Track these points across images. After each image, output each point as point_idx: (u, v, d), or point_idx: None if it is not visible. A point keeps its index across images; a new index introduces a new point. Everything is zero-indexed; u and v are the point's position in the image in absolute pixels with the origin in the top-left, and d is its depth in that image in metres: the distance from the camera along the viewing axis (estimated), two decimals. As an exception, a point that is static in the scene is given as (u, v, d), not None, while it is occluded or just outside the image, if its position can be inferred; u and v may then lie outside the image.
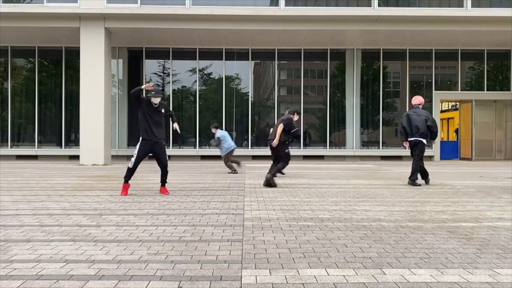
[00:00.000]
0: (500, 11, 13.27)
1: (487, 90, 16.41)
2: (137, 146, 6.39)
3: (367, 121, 16.52)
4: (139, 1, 13.21)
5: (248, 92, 16.50)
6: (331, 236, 3.90)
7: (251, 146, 16.26)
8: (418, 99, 8.49)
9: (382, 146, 16.29)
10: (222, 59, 16.19)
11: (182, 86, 16.55)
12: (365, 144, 16.55)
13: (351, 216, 4.83)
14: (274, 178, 7.82)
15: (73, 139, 16.07)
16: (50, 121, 16.21)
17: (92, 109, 13.37)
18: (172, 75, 16.29)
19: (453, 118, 20.93)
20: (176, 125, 6.77)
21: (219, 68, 16.33)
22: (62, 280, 2.68)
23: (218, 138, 10.57)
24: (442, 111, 20.14)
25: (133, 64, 16.40)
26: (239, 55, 16.21)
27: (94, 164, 13.18)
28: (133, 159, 6.35)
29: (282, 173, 9.72)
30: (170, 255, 3.25)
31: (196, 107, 16.25)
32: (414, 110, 8.34)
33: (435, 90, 16.34)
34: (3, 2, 13.26)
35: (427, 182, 8.10)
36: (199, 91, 16.35)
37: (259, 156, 16.05)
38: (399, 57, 16.41)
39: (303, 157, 16.17)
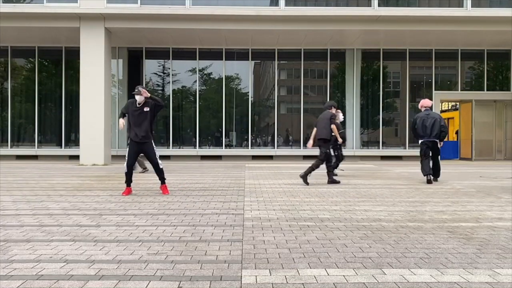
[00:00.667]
0: (500, 11, 13.27)
1: (487, 90, 16.40)
2: (127, 149, 6.53)
3: (367, 121, 16.52)
4: (139, 1, 13.21)
5: (248, 92, 16.51)
6: (331, 236, 3.90)
7: (251, 146, 16.26)
8: (429, 102, 8.87)
9: (382, 146, 16.29)
10: (222, 59, 16.20)
11: (182, 86, 16.55)
12: (365, 144, 16.55)
13: (351, 216, 4.83)
14: (334, 176, 8.18)
15: (73, 139, 16.07)
16: (50, 121, 16.21)
17: (92, 109, 13.37)
18: (172, 75, 16.29)
19: (453, 118, 20.93)
20: (146, 108, 6.37)
21: (219, 68, 16.33)
22: (62, 280, 2.68)
23: None
24: (442, 111, 20.14)
25: (133, 64, 16.41)
26: (239, 55, 16.21)
27: (94, 164, 13.18)
28: (125, 164, 6.46)
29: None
30: (170, 255, 3.25)
31: (196, 107, 16.25)
32: (426, 112, 8.62)
33: (435, 90, 16.34)
34: (3, 2, 13.26)
35: (435, 180, 8.50)
36: (199, 91, 16.35)
37: (259, 156, 16.05)
38: (399, 57, 16.41)
39: (303, 157, 16.16)
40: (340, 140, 8.38)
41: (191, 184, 8.00)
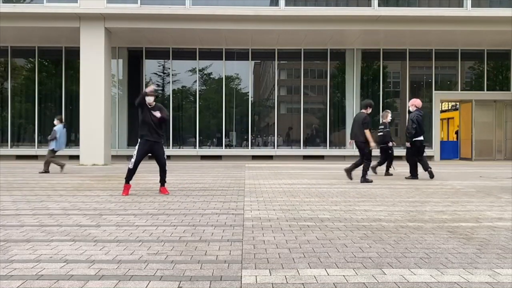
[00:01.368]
0: (500, 11, 13.27)
1: (487, 90, 16.41)
2: (136, 147, 6.45)
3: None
4: (139, 1, 13.21)
5: (248, 92, 16.51)
6: (331, 236, 3.90)
7: (251, 146, 16.26)
8: (420, 102, 9.25)
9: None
10: (222, 59, 16.20)
11: (182, 86, 16.56)
12: (365, 144, 16.53)
13: (351, 216, 4.83)
14: (366, 175, 8.32)
15: (73, 139, 16.07)
16: (50, 121, 16.18)
17: (92, 109, 13.37)
18: (172, 75, 16.29)
19: (453, 118, 20.93)
20: (158, 113, 6.42)
21: (219, 68, 16.34)
22: (62, 280, 2.68)
23: (54, 131, 10.31)
24: (442, 111, 20.14)
25: (133, 64, 16.41)
26: (239, 55, 16.21)
27: (94, 164, 13.18)
28: (132, 160, 6.41)
29: (375, 173, 9.97)
30: (170, 255, 3.25)
31: (196, 107, 16.25)
32: (419, 112, 8.99)
33: (435, 90, 16.34)
34: (3, 2, 13.26)
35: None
36: (199, 91, 16.35)
37: (259, 156, 16.06)
38: (399, 57, 16.41)
39: (303, 157, 16.17)
40: (372, 144, 8.46)
41: (191, 184, 8.00)
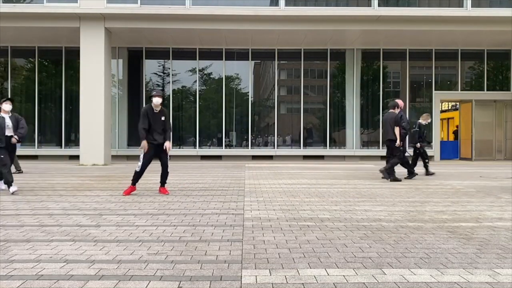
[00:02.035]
0: (500, 11, 13.27)
1: (487, 90, 16.41)
2: (142, 150, 6.46)
3: (367, 121, 16.52)
4: (139, 1, 13.21)
5: (248, 92, 16.51)
6: (331, 236, 3.90)
7: (251, 146, 16.26)
8: (403, 102, 9.44)
9: (382, 146, 16.27)
10: (222, 59, 16.20)
11: (182, 86, 16.55)
12: (365, 144, 16.55)
13: (351, 216, 4.83)
14: (394, 173, 8.61)
15: (73, 139, 16.07)
16: (50, 121, 16.20)
17: (92, 109, 13.37)
18: (172, 75, 16.29)
19: (453, 118, 20.93)
20: (167, 144, 6.52)
21: (219, 68, 16.33)
22: (62, 280, 2.68)
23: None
24: (442, 111, 20.14)
25: (133, 64, 16.40)
26: (239, 55, 16.21)
27: (94, 164, 13.18)
28: (140, 163, 6.42)
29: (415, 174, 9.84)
30: (170, 255, 3.25)
31: (196, 107, 16.25)
32: (401, 112, 9.11)
33: (435, 90, 16.34)
34: (3, 2, 13.26)
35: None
36: (199, 91, 16.35)
37: (259, 156, 16.05)
38: (399, 57, 16.41)
39: (303, 157, 16.16)
40: (399, 142, 8.60)
41: (191, 184, 8.00)
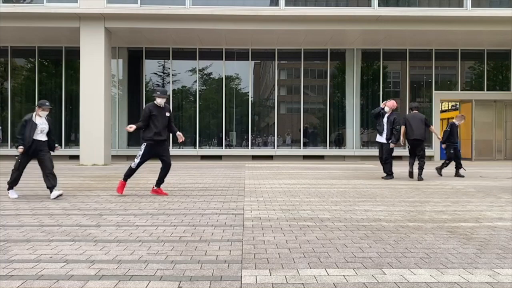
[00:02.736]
0: (500, 11, 13.27)
1: (487, 90, 16.41)
2: (143, 148, 6.36)
3: (367, 121, 16.51)
4: (139, 1, 13.21)
5: (248, 92, 16.51)
6: (331, 236, 3.90)
7: (251, 146, 16.26)
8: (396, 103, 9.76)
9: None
10: (222, 59, 16.19)
11: (182, 86, 16.55)
12: (365, 144, 16.55)
13: (351, 216, 4.83)
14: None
15: (73, 139, 16.07)
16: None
17: (92, 109, 13.37)
18: (172, 75, 16.29)
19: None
20: (180, 133, 6.60)
21: (219, 68, 16.33)
22: (62, 280, 2.68)
23: None
24: (442, 111, 20.13)
25: (133, 64, 16.40)
26: (239, 55, 16.21)
27: (94, 164, 13.18)
28: (137, 161, 6.34)
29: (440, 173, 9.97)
30: (170, 255, 3.25)
31: (196, 107, 16.25)
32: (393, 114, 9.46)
33: (435, 90, 16.34)
34: (3, 2, 13.26)
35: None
36: (199, 91, 16.35)
37: (259, 156, 16.05)
38: (399, 57, 16.41)
39: (303, 157, 16.16)
40: (439, 137, 9.84)
41: (191, 184, 8.00)
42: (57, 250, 3.37)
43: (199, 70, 16.34)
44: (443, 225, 4.36)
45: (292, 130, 16.66)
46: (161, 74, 16.48)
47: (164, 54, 16.14)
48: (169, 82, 16.29)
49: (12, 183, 6.26)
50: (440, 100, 16.94)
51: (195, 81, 16.34)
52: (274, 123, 16.45)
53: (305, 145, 16.39)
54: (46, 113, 6.37)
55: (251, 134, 16.37)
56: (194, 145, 16.19)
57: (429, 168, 10.85)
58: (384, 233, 4.00)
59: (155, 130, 6.32)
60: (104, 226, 4.28)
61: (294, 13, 13.36)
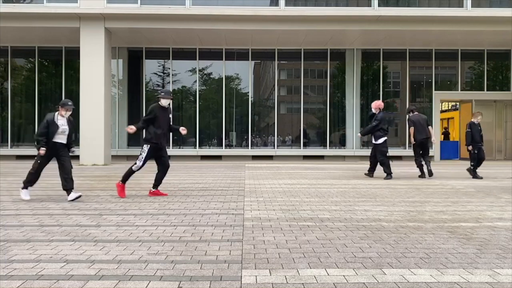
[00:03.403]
0: (500, 11, 13.27)
1: (487, 90, 16.40)
2: (146, 150, 6.22)
3: (367, 121, 16.49)
4: (139, 1, 13.21)
5: (248, 92, 16.51)
6: (331, 236, 3.90)
7: (251, 146, 16.26)
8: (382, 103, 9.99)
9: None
10: (222, 59, 16.19)
11: (182, 86, 16.56)
12: (365, 144, 16.54)
13: (351, 216, 4.83)
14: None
15: (73, 139, 16.03)
16: (50, 121, 16.18)
17: (92, 109, 13.37)
18: (172, 75, 16.29)
19: (453, 118, 20.92)
20: (183, 128, 6.60)
21: (219, 68, 16.33)
22: (62, 280, 2.68)
23: None
24: (442, 111, 20.14)
25: (133, 64, 16.40)
26: (239, 55, 16.21)
27: (94, 164, 13.18)
28: (140, 163, 6.20)
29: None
30: (170, 255, 3.25)
31: (196, 107, 16.25)
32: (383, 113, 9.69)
33: (435, 90, 16.34)
34: (3, 2, 13.26)
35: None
36: (199, 91, 16.35)
37: (259, 156, 16.05)
38: (399, 57, 16.41)
39: (303, 157, 16.16)
40: (434, 138, 9.78)
41: (191, 184, 8.00)
42: (57, 250, 3.37)
43: (199, 70, 16.34)
44: (443, 225, 4.36)
45: (292, 130, 16.66)
46: (161, 74, 16.48)
47: (164, 54, 16.14)
48: (169, 82, 16.29)
49: (28, 183, 6.05)
50: (440, 100, 16.95)
51: (195, 81, 16.34)
52: (274, 123, 16.45)
53: (305, 145, 16.39)
54: (69, 113, 6.14)
55: (251, 134, 16.37)
56: (194, 145, 16.19)
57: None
58: (384, 233, 4.00)
59: (159, 132, 6.22)
60: (104, 226, 4.28)
61: (294, 13, 13.36)
